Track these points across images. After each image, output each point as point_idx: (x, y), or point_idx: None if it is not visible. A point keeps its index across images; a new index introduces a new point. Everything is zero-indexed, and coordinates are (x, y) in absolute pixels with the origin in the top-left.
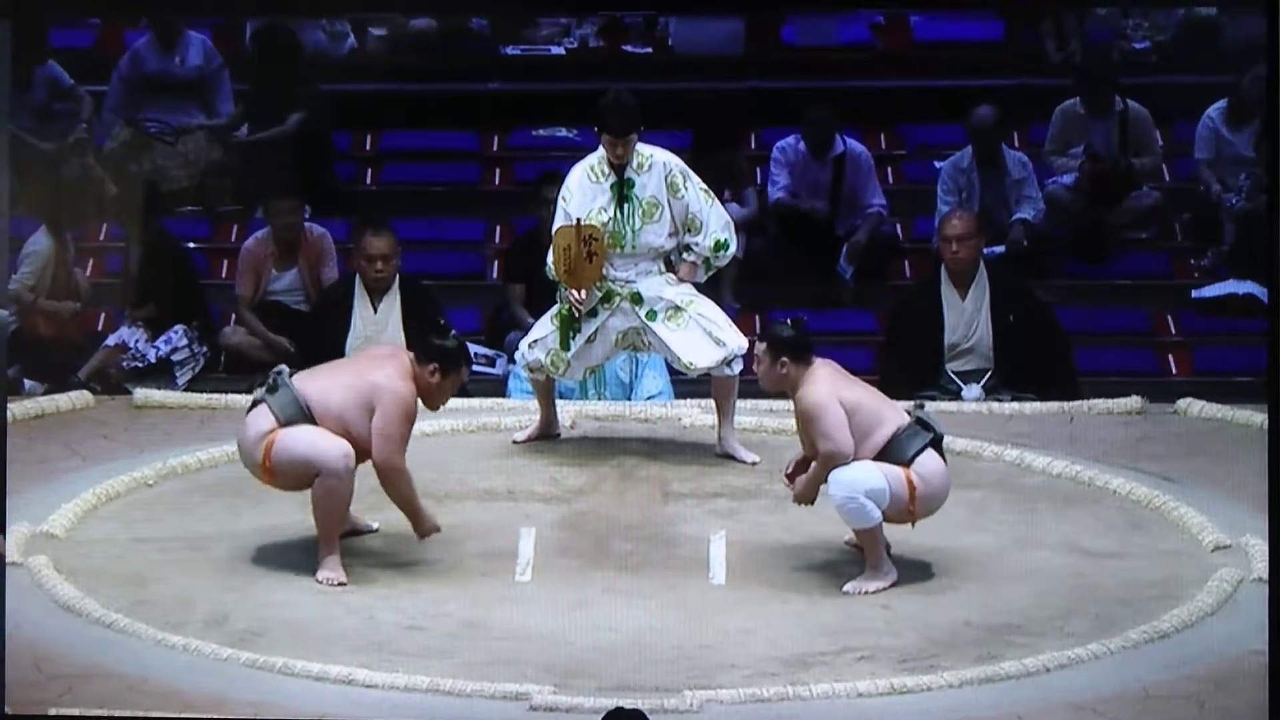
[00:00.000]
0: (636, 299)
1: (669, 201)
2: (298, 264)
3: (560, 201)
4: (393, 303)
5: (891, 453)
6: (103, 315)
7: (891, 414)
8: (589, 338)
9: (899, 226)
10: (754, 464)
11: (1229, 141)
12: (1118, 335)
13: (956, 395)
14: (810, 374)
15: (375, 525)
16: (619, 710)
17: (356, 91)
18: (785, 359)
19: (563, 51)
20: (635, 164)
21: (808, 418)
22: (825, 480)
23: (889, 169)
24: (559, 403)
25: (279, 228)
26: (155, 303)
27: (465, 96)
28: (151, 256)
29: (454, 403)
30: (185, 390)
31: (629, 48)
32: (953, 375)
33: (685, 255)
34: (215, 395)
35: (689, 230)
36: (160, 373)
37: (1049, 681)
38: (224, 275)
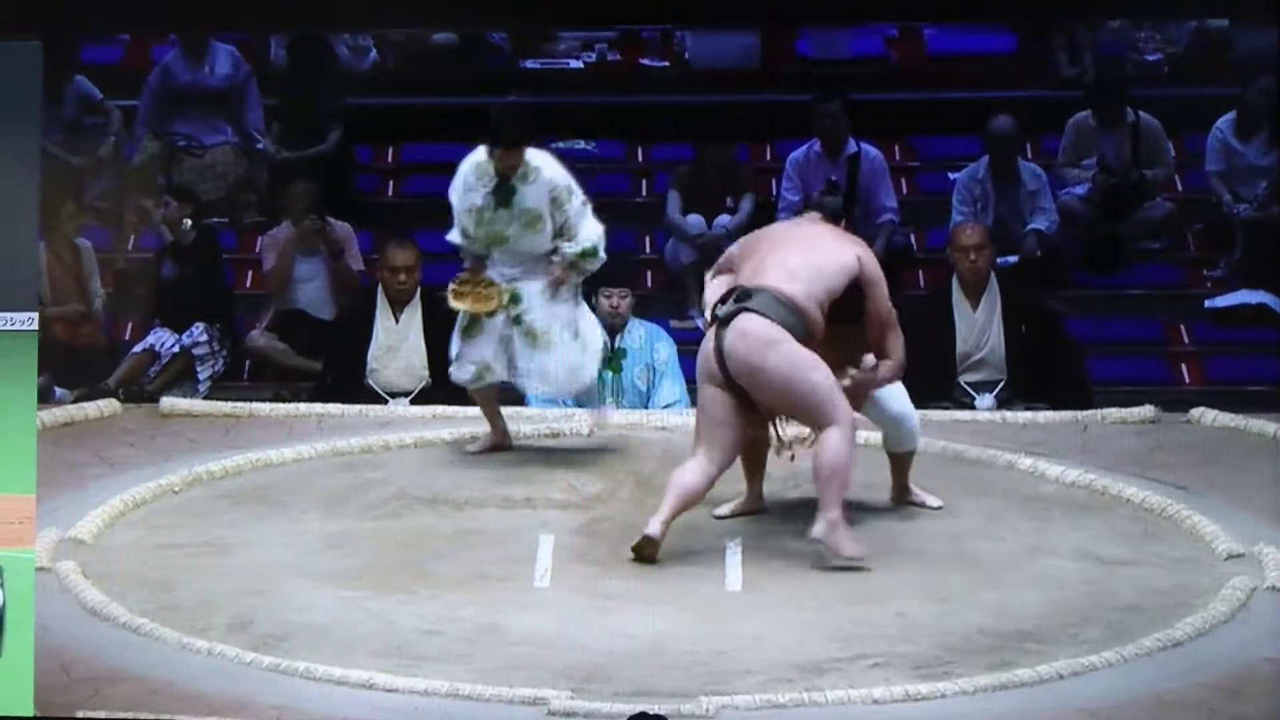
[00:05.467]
0: (515, 298)
1: (550, 214)
2: (320, 253)
3: (451, 191)
4: (414, 313)
5: None
6: (130, 325)
7: None
8: (496, 335)
9: (912, 237)
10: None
11: (1239, 152)
12: (1131, 345)
13: (970, 406)
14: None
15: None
16: (642, 715)
17: (378, 105)
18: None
19: (581, 65)
20: (520, 173)
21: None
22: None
23: (902, 180)
24: (577, 411)
25: (297, 215)
26: (181, 300)
27: (485, 109)
28: (187, 252)
29: (473, 411)
30: (209, 396)
31: (646, 61)
32: (965, 386)
33: (553, 257)
34: (240, 404)
35: (562, 236)
36: (182, 370)
37: (1062, 689)
38: (249, 285)
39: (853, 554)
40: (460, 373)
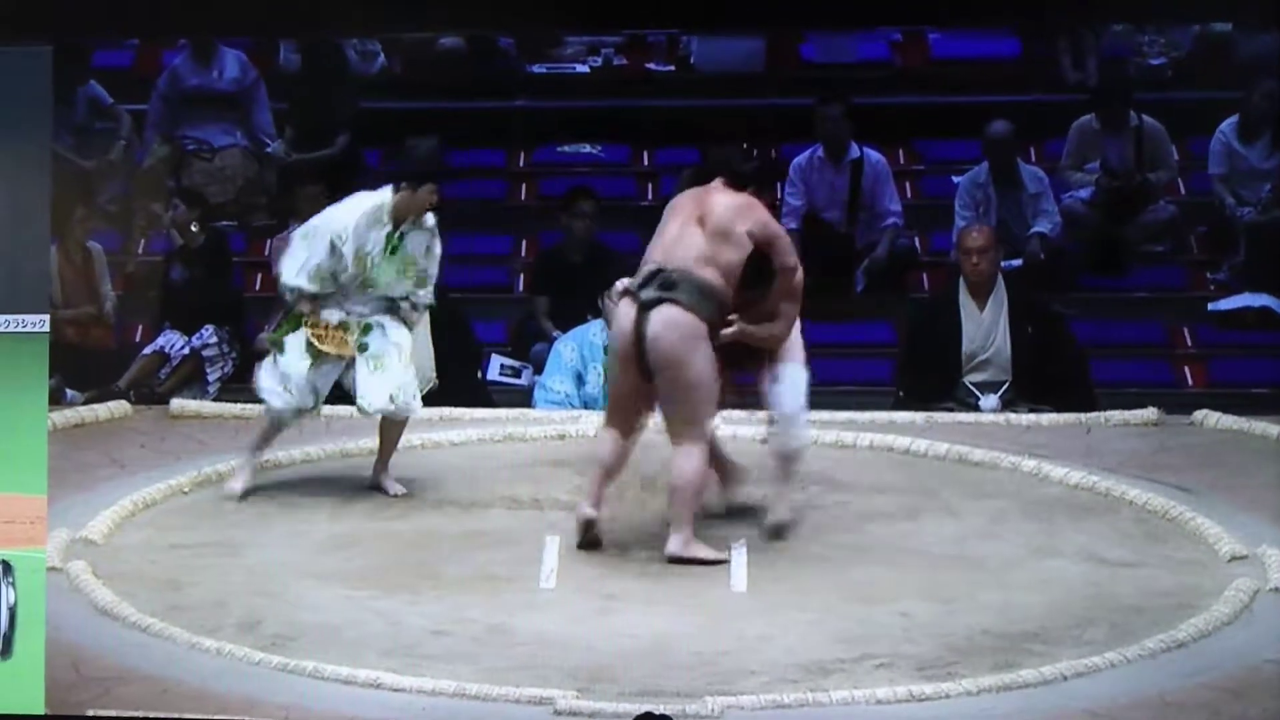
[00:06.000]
0: (365, 329)
1: (420, 263)
2: None
3: (330, 236)
4: (423, 316)
5: None
6: (140, 327)
7: None
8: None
9: (917, 240)
10: (400, 495)
11: (1242, 156)
12: (1134, 347)
13: (974, 407)
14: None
15: None
16: (648, 715)
17: (387, 109)
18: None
19: (587, 70)
20: (415, 220)
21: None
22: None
23: (907, 184)
24: (586, 413)
25: (306, 217)
26: (191, 302)
27: (492, 114)
28: (197, 255)
29: (480, 413)
30: (218, 398)
31: (652, 66)
32: (970, 387)
33: (404, 303)
34: (249, 405)
35: (420, 283)
36: (192, 371)
37: (1066, 689)
38: (258, 288)
39: (711, 556)
40: (291, 400)
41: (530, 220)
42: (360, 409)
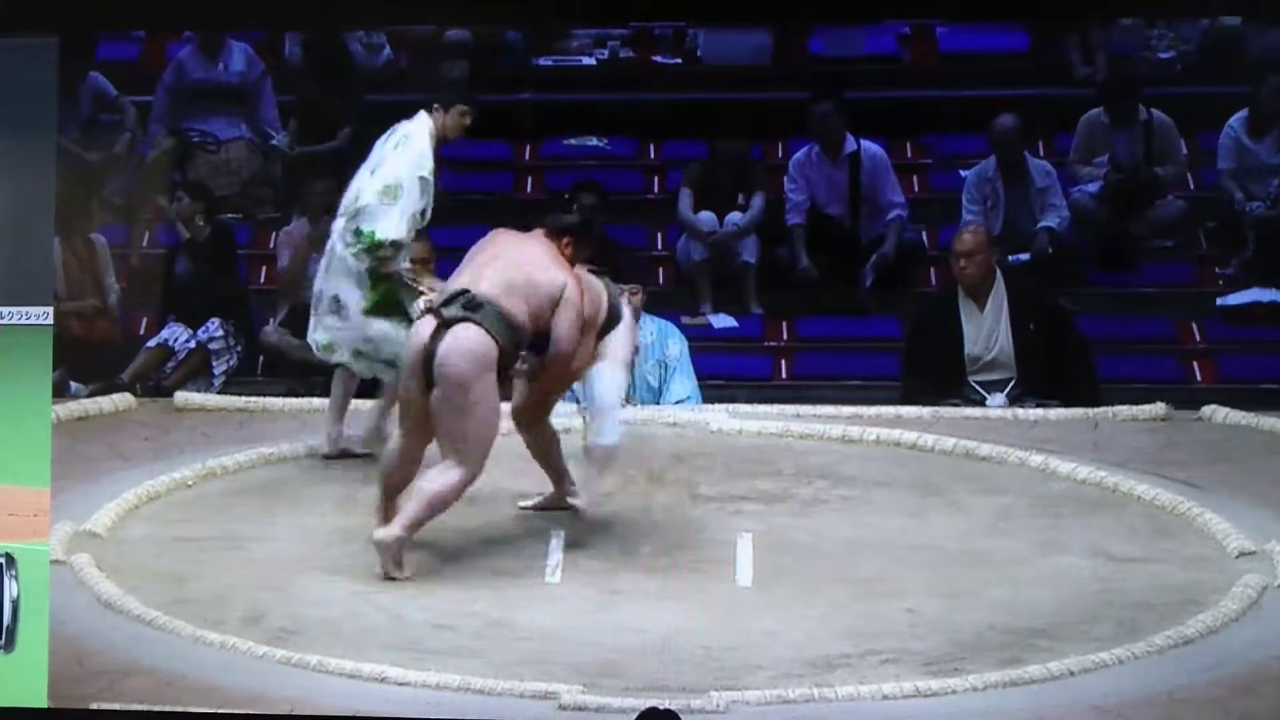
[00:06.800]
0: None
1: None
2: None
3: (422, 177)
4: None
5: None
6: (145, 320)
7: None
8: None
9: (924, 234)
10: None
11: (1251, 150)
12: (1143, 342)
13: (981, 404)
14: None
15: None
16: (653, 710)
17: (393, 102)
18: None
19: (593, 63)
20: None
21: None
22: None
23: (914, 178)
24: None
25: (314, 212)
26: (196, 295)
27: (498, 107)
28: (202, 248)
29: None
30: (223, 392)
31: (659, 59)
32: (976, 386)
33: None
34: (254, 398)
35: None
36: (197, 365)
37: (1073, 685)
38: (263, 280)
39: (393, 573)
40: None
41: (536, 213)
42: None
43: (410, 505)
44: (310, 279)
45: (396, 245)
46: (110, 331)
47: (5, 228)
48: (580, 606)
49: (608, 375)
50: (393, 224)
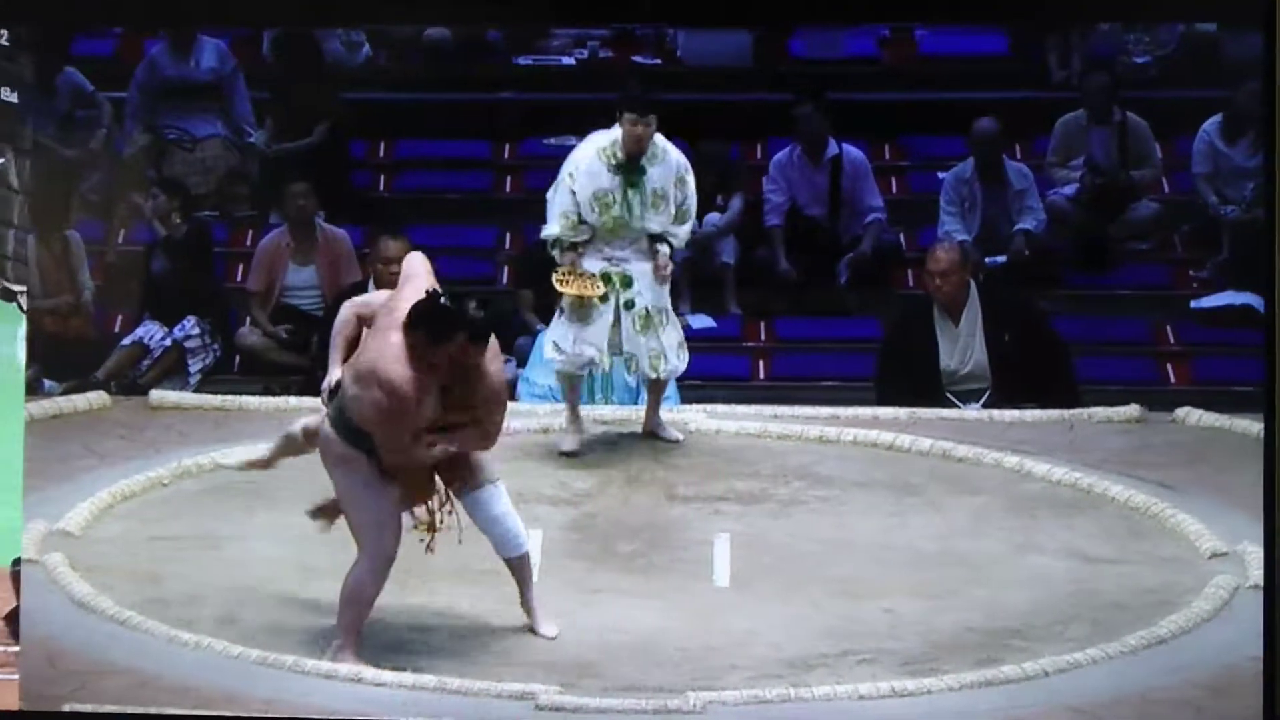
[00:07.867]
0: (626, 282)
1: (673, 195)
2: (315, 261)
3: (566, 178)
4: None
5: None
6: (120, 317)
7: None
8: (605, 322)
9: (902, 236)
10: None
11: (1225, 154)
12: (1118, 345)
13: None
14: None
15: None
16: None
17: (372, 100)
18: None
19: (574, 62)
20: (650, 154)
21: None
22: None
23: (893, 180)
24: (557, 407)
25: (293, 216)
26: (172, 293)
27: (478, 106)
28: (179, 246)
29: None
30: (199, 390)
31: (639, 59)
32: (951, 397)
33: (659, 245)
34: (230, 397)
35: (678, 217)
36: (173, 363)
37: (1049, 685)
38: (239, 279)
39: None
40: (577, 357)
41: (516, 213)
42: (651, 369)
43: (341, 619)
44: (288, 288)
45: (550, 240)
46: (85, 329)
47: None
48: (558, 606)
49: (490, 499)
50: (550, 219)
